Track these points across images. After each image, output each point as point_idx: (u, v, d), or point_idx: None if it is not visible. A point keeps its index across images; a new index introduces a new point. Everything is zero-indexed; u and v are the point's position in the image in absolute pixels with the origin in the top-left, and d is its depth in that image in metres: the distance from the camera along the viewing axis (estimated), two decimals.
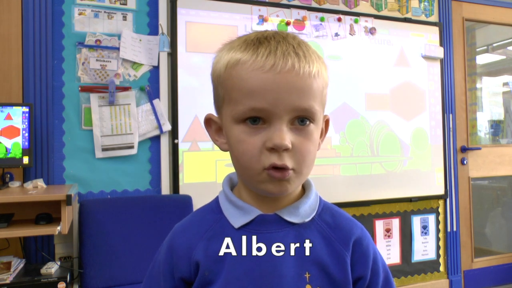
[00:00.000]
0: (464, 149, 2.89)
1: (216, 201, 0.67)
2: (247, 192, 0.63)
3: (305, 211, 0.62)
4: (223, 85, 0.59)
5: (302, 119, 0.57)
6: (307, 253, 0.60)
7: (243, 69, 0.56)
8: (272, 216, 0.61)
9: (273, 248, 0.59)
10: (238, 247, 0.60)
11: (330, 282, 0.59)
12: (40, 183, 1.79)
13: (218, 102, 0.62)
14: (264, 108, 0.55)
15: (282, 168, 0.56)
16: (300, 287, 0.58)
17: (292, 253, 0.59)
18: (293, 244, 0.60)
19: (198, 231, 0.63)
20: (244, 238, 0.60)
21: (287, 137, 0.55)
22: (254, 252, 0.59)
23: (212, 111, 0.65)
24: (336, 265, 0.60)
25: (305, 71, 0.55)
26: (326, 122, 0.65)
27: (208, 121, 0.65)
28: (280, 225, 0.61)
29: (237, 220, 0.61)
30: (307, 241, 0.60)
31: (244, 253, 0.59)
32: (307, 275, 0.59)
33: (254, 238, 0.60)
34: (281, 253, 0.59)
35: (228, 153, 0.63)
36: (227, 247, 0.60)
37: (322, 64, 0.60)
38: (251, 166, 0.57)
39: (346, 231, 0.63)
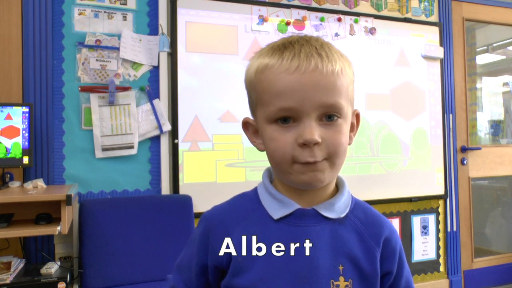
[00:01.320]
0: (464, 149, 2.89)
1: (255, 191, 0.69)
2: (285, 186, 0.66)
3: (340, 207, 0.66)
4: (255, 89, 0.64)
5: (329, 115, 0.60)
6: (342, 247, 0.64)
7: (271, 72, 0.60)
8: (310, 211, 0.64)
9: (311, 240, 0.63)
10: (276, 237, 0.63)
11: (360, 275, 0.64)
12: (40, 183, 1.79)
13: (252, 105, 0.67)
14: (292, 107, 0.59)
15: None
16: (335, 278, 0.62)
17: (328, 246, 0.63)
18: (330, 237, 0.63)
19: (236, 217, 0.66)
20: (283, 229, 0.63)
21: (316, 132, 0.58)
22: (292, 243, 0.62)
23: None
24: (367, 260, 0.64)
25: (328, 69, 0.59)
26: (357, 116, 0.68)
27: (246, 124, 0.69)
28: (317, 219, 0.64)
29: (276, 211, 0.64)
30: (342, 235, 0.64)
31: (282, 243, 0.62)
32: (340, 267, 0.63)
33: (293, 230, 0.63)
34: (319, 246, 0.63)
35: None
36: (265, 236, 0.63)
37: (346, 62, 0.64)
38: (284, 161, 0.60)
39: (377, 228, 0.68)
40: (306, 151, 0.59)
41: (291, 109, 0.59)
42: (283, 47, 0.61)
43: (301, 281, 0.61)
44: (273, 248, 0.62)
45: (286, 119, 0.60)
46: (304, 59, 0.59)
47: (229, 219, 0.66)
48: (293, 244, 0.62)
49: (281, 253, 0.62)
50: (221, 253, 0.64)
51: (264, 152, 0.66)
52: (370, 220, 0.68)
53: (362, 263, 0.64)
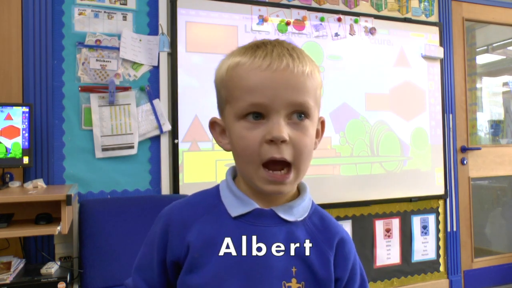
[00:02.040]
0: (464, 149, 2.89)
1: (216, 188, 0.70)
2: (247, 185, 0.67)
3: (298, 211, 0.66)
4: (225, 87, 0.64)
5: (298, 114, 0.61)
6: (296, 250, 0.64)
7: (242, 69, 0.61)
8: (269, 211, 0.65)
9: (266, 241, 0.63)
10: (231, 235, 0.63)
11: (313, 278, 0.64)
12: (40, 183, 1.79)
13: (221, 104, 0.67)
14: (263, 103, 0.59)
15: (282, 165, 0.60)
16: (287, 279, 0.62)
17: (283, 248, 0.63)
18: (284, 240, 0.64)
19: (194, 213, 0.66)
20: (240, 227, 0.64)
21: (285, 130, 0.59)
22: (247, 243, 0.63)
23: (213, 113, 0.69)
24: (320, 264, 0.65)
25: (299, 70, 0.60)
26: (322, 123, 0.70)
27: (213, 124, 0.69)
28: (274, 220, 0.65)
29: (235, 209, 0.65)
30: (296, 238, 0.65)
31: (237, 241, 0.63)
32: (293, 269, 0.63)
33: (248, 229, 0.64)
34: (273, 247, 0.63)
35: (228, 153, 0.67)
36: (221, 234, 0.63)
37: (315, 67, 0.65)
38: (251, 161, 0.61)
39: (331, 233, 0.68)
40: (273, 148, 0.59)
41: (261, 105, 0.60)
42: (255, 47, 0.63)
43: (253, 280, 0.61)
44: (228, 245, 0.63)
45: (256, 115, 0.60)
46: (276, 57, 0.60)
47: (188, 214, 0.66)
48: (248, 243, 0.63)
49: (236, 252, 0.62)
50: (178, 249, 0.64)
51: None
52: (325, 226, 0.68)
53: (315, 266, 0.64)
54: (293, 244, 0.64)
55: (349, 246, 0.69)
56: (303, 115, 0.61)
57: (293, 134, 0.60)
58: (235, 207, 0.65)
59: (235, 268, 0.62)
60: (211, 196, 0.68)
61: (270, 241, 0.63)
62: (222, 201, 0.66)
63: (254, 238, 0.63)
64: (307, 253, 0.64)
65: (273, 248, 0.63)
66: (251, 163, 0.61)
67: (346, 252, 0.68)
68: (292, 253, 0.63)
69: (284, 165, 0.61)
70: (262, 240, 0.63)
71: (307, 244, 0.65)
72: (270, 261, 0.62)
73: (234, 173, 0.71)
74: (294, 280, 0.62)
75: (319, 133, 0.69)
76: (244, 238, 0.63)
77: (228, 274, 0.62)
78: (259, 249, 0.63)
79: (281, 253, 0.63)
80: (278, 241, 0.63)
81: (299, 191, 0.70)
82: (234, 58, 0.63)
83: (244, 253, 0.62)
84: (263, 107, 0.60)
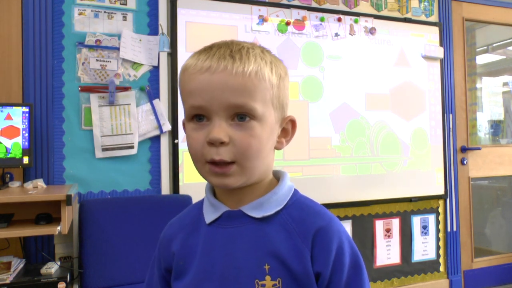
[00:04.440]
0: (464, 149, 2.89)
1: (204, 198, 0.73)
2: (219, 189, 0.68)
3: (270, 206, 0.65)
4: (179, 90, 0.67)
5: (241, 116, 0.61)
6: (267, 246, 0.63)
7: (187, 73, 0.63)
8: (237, 212, 0.66)
9: (233, 242, 0.64)
10: (206, 241, 0.66)
11: (290, 274, 0.61)
12: (40, 183, 1.79)
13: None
14: (201, 105, 0.61)
15: (223, 164, 0.60)
16: (260, 278, 0.61)
17: (252, 246, 0.63)
18: (254, 237, 0.64)
19: (180, 225, 0.71)
20: (213, 232, 0.66)
21: (222, 132, 0.60)
22: (219, 246, 0.65)
23: None
24: (295, 258, 0.61)
25: (238, 71, 0.60)
26: (292, 122, 0.69)
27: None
28: (243, 220, 0.65)
29: (209, 216, 0.67)
30: (269, 234, 0.63)
31: (209, 247, 0.65)
32: (266, 267, 0.62)
33: (219, 232, 0.65)
34: (241, 246, 0.63)
35: None
36: (198, 241, 0.66)
37: (267, 66, 0.63)
38: (197, 160, 0.63)
39: (307, 224, 0.64)
40: (213, 150, 0.60)
41: (201, 107, 0.61)
42: (203, 50, 0.64)
43: (225, 282, 0.62)
44: (204, 252, 0.65)
45: (200, 117, 0.62)
46: (216, 60, 0.60)
47: (175, 228, 0.72)
48: (220, 246, 0.64)
49: (210, 256, 0.64)
50: (168, 258, 0.69)
51: None
52: (303, 217, 0.64)
53: (289, 262, 0.61)
54: (263, 240, 0.63)
55: (330, 235, 0.62)
56: (246, 117, 0.61)
57: (236, 135, 0.60)
58: (209, 214, 0.67)
59: (209, 273, 0.63)
60: (197, 208, 0.71)
61: (237, 241, 0.64)
62: (203, 210, 0.69)
63: (224, 240, 0.64)
64: (280, 248, 0.62)
65: (241, 248, 0.63)
66: (197, 161, 0.63)
67: (326, 243, 0.62)
68: (262, 250, 0.62)
69: (225, 163, 0.61)
70: (230, 241, 0.64)
71: (280, 239, 0.63)
72: (239, 261, 0.63)
73: None
74: (268, 278, 0.61)
75: (289, 133, 0.69)
76: (216, 242, 0.65)
77: (204, 278, 0.64)
78: (228, 251, 0.64)
79: (251, 252, 0.62)
80: (246, 240, 0.63)
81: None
82: (185, 61, 0.65)
83: (217, 257, 0.64)
84: (203, 110, 0.61)
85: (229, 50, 0.62)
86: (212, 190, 0.70)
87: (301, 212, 0.65)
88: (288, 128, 0.68)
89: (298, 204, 0.67)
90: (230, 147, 0.60)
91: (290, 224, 0.64)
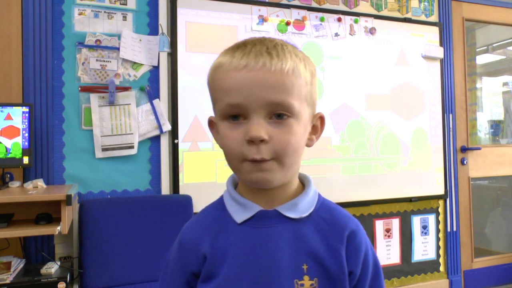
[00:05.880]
0: (464, 149, 2.89)
1: (220, 199, 0.71)
2: (248, 189, 0.67)
3: (303, 207, 0.66)
4: (210, 88, 0.66)
5: (279, 114, 0.60)
6: (305, 246, 0.63)
7: (221, 71, 0.62)
8: (272, 212, 0.65)
9: (272, 242, 0.63)
10: (240, 241, 0.64)
11: (326, 274, 0.63)
12: (40, 183, 1.79)
13: (212, 104, 0.67)
14: (239, 103, 0.60)
15: (263, 161, 0.60)
16: (299, 277, 0.62)
17: (291, 246, 0.63)
18: (292, 237, 0.64)
19: (204, 227, 0.68)
20: (246, 232, 0.64)
21: (263, 129, 0.59)
22: (254, 246, 0.63)
23: (211, 112, 0.70)
24: (331, 259, 0.63)
25: (277, 68, 0.59)
26: (321, 119, 0.69)
27: (210, 122, 0.70)
28: (279, 220, 0.65)
29: (239, 215, 0.65)
30: (305, 235, 0.64)
31: (244, 247, 0.63)
32: (304, 267, 0.62)
33: (255, 232, 0.64)
34: (280, 246, 0.63)
35: None
36: (230, 241, 0.64)
37: (301, 62, 0.63)
38: (234, 158, 0.62)
39: (341, 226, 0.66)
40: (253, 148, 0.59)
41: (238, 105, 0.60)
42: (236, 47, 0.63)
43: (263, 282, 0.62)
44: (237, 252, 0.63)
45: (236, 116, 0.61)
46: (253, 57, 0.60)
47: (198, 230, 0.68)
48: (255, 245, 0.63)
49: (244, 256, 0.63)
50: (195, 261, 0.66)
51: None
52: (335, 219, 0.67)
53: (326, 262, 0.63)
54: (301, 240, 0.64)
55: (360, 237, 0.67)
56: (284, 115, 0.60)
57: (274, 132, 0.60)
58: (239, 213, 0.66)
59: (245, 272, 0.62)
60: (216, 209, 0.70)
61: (276, 240, 0.63)
62: (228, 211, 0.67)
63: (260, 240, 0.63)
64: (317, 248, 0.63)
65: (280, 248, 0.63)
66: (235, 160, 0.62)
67: (357, 244, 0.66)
68: (300, 250, 0.63)
69: (266, 160, 0.61)
70: (268, 241, 0.63)
71: (316, 240, 0.64)
72: (279, 261, 0.62)
73: (234, 182, 0.71)
74: (306, 278, 0.62)
75: (318, 130, 0.68)
76: (250, 242, 0.63)
77: (239, 278, 0.62)
78: (266, 250, 0.63)
79: (289, 252, 0.63)
80: (285, 239, 0.63)
81: (304, 187, 0.69)
82: (217, 59, 0.64)
83: (252, 256, 0.63)
84: (240, 108, 0.60)
85: (265, 47, 0.61)
86: (237, 191, 0.69)
87: (331, 214, 0.68)
88: (317, 125, 0.68)
89: (325, 206, 0.69)
90: (270, 145, 0.59)
91: (323, 226, 0.66)
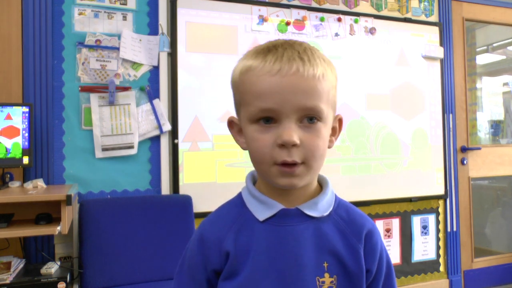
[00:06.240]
0: (464, 149, 2.89)
1: (239, 196, 0.71)
2: (268, 187, 0.68)
3: (323, 206, 0.68)
4: (239, 90, 0.66)
5: (309, 118, 0.62)
6: (326, 244, 0.65)
7: (253, 74, 0.62)
8: (294, 210, 0.66)
9: (295, 240, 0.64)
10: (263, 239, 0.65)
11: (345, 271, 0.65)
12: (40, 183, 1.79)
13: (237, 106, 0.69)
14: (272, 108, 0.60)
15: (293, 165, 0.61)
16: (320, 275, 0.64)
17: (313, 244, 0.65)
18: (314, 235, 0.65)
19: (225, 224, 0.68)
20: (268, 230, 0.65)
21: (295, 134, 0.60)
22: (278, 244, 0.64)
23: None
24: (350, 256, 0.66)
25: (309, 73, 0.60)
26: (340, 121, 0.70)
27: (231, 123, 0.71)
28: (301, 218, 0.66)
29: (261, 213, 0.66)
30: (326, 233, 0.66)
31: (268, 244, 0.64)
32: (325, 265, 0.64)
33: (277, 230, 0.65)
34: (303, 244, 0.64)
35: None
36: (253, 239, 0.65)
37: (328, 66, 0.64)
38: (264, 161, 0.62)
39: (359, 225, 0.69)
40: (284, 152, 0.60)
41: (271, 110, 0.60)
42: (267, 50, 0.63)
43: (287, 279, 0.63)
44: (260, 249, 0.64)
45: (268, 119, 0.61)
46: (286, 62, 0.60)
47: (219, 227, 0.67)
48: (279, 243, 0.64)
49: (268, 254, 0.64)
50: (218, 258, 0.65)
51: None
52: (352, 218, 0.69)
53: (346, 259, 0.65)
54: (322, 239, 0.65)
55: (376, 236, 0.70)
56: (314, 119, 0.62)
57: (305, 137, 0.61)
58: (261, 211, 0.66)
59: (268, 270, 0.63)
60: (236, 206, 0.70)
61: (299, 239, 0.64)
62: (248, 208, 0.68)
63: (283, 238, 0.64)
64: (337, 247, 0.65)
65: (303, 246, 0.64)
66: (264, 163, 0.63)
67: (374, 243, 0.69)
68: (322, 248, 0.65)
69: (295, 165, 0.62)
70: (291, 239, 0.64)
71: (336, 238, 0.66)
72: (302, 258, 0.63)
73: (253, 179, 0.72)
74: (327, 275, 0.64)
75: (336, 131, 0.70)
76: (274, 240, 0.64)
77: (262, 276, 0.63)
78: (289, 248, 0.64)
79: (311, 249, 0.64)
80: (306, 238, 0.65)
81: (321, 187, 0.71)
82: (246, 61, 0.64)
83: (275, 254, 0.64)
84: (273, 112, 0.61)
85: (296, 51, 0.62)
86: (257, 188, 0.70)
87: (349, 214, 0.70)
88: (336, 127, 0.69)
89: (342, 206, 0.71)
90: (300, 149, 0.61)
91: (341, 224, 0.68)
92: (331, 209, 0.68)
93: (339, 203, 0.70)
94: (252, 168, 0.70)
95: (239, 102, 0.66)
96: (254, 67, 0.62)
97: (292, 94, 0.60)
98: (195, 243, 0.69)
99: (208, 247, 0.67)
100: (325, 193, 0.69)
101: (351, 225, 0.68)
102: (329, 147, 0.68)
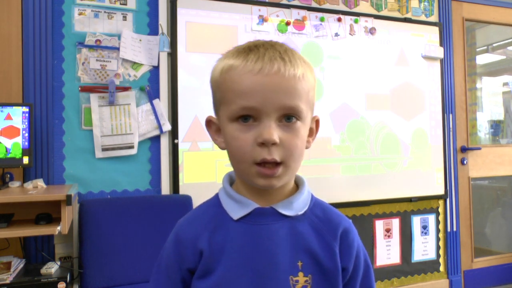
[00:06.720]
0: (464, 149, 2.89)
1: (216, 196, 0.72)
2: (245, 187, 0.68)
3: (299, 205, 0.68)
4: (219, 89, 0.66)
5: (289, 117, 0.62)
6: (301, 243, 0.65)
7: (235, 73, 0.63)
8: (269, 209, 0.67)
9: (270, 239, 0.65)
10: (237, 238, 0.65)
11: (320, 270, 0.65)
12: (40, 183, 1.79)
13: (216, 105, 0.69)
14: (253, 106, 0.61)
15: (272, 164, 0.62)
16: (293, 274, 0.64)
17: (287, 243, 0.65)
18: (288, 234, 0.65)
19: (201, 223, 0.68)
20: (243, 229, 0.66)
21: (275, 133, 0.61)
22: (252, 242, 0.65)
23: (211, 112, 0.72)
24: (326, 255, 0.66)
25: (290, 73, 0.61)
26: (317, 122, 0.71)
27: (209, 122, 0.72)
28: (275, 217, 0.66)
29: (236, 212, 0.67)
30: (301, 232, 0.66)
31: (242, 243, 0.65)
32: (299, 264, 0.64)
33: (252, 229, 0.65)
34: (277, 243, 0.65)
35: (227, 153, 0.68)
36: (227, 237, 0.65)
37: (308, 67, 0.66)
38: (244, 160, 0.63)
39: (335, 223, 0.69)
40: (264, 151, 0.61)
41: (252, 108, 0.61)
42: (248, 50, 0.63)
43: (261, 278, 0.63)
44: (234, 248, 0.64)
45: (247, 118, 0.62)
46: (268, 62, 0.61)
47: (195, 227, 0.68)
48: (253, 242, 0.64)
49: (242, 252, 0.64)
50: (192, 257, 0.66)
51: None
52: (328, 217, 0.70)
53: (321, 258, 0.65)
54: (297, 238, 0.65)
55: (352, 234, 0.70)
56: (293, 118, 0.63)
57: (284, 136, 0.62)
58: (236, 210, 0.67)
59: (242, 268, 0.63)
60: (212, 206, 0.70)
61: (274, 237, 0.65)
62: (224, 208, 0.68)
63: (258, 237, 0.65)
64: (312, 245, 0.65)
65: (277, 244, 0.64)
66: (244, 162, 0.63)
67: (350, 241, 0.69)
68: (296, 247, 0.65)
69: (274, 164, 0.62)
70: (266, 237, 0.65)
71: (311, 237, 0.66)
72: (276, 257, 0.64)
73: (230, 180, 0.72)
74: (301, 274, 0.64)
75: (313, 132, 0.70)
76: (248, 238, 0.65)
77: (236, 274, 0.63)
78: (264, 247, 0.64)
79: (286, 248, 0.64)
80: (281, 236, 0.65)
81: (298, 186, 0.71)
82: (228, 61, 0.64)
83: (250, 253, 0.64)
84: (254, 111, 0.61)
85: (278, 52, 0.63)
86: (234, 188, 0.70)
87: (325, 213, 0.70)
88: (313, 128, 0.70)
89: (318, 205, 0.71)
90: (280, 148, 0.61)
91: (317, 223, 0.68)
92: (306, 208, 0.69)
93: (315, 203, 0.71)
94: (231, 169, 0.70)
95: (219, 101, 0.66)
96: (236, 66, 0.62)
97: (274, 93, 0.60)
98: (171, 242, 0.70)
99: (184, 246, 0.67)
100: (301, 192, 0.69)
101: (327, 224, 0.68)
102: (307, 147, 0.68)
